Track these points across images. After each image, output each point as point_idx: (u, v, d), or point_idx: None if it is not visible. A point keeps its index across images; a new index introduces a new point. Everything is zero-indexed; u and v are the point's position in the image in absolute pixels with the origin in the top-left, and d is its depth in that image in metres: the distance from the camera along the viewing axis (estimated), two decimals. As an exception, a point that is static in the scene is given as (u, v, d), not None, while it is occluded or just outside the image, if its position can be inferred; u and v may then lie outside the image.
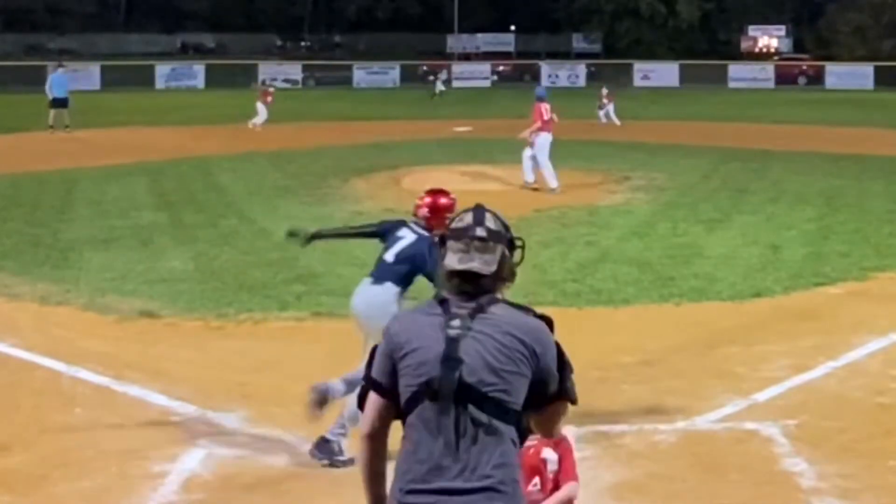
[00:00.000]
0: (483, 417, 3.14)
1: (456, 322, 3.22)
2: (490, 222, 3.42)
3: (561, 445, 4.36)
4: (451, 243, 3.34)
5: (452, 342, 3.18)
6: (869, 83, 55.04)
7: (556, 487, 4.34)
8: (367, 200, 16.92)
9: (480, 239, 3.35)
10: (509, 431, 3.18)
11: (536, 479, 4.27)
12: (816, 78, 58.15)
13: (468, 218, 3.38)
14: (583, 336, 9.24)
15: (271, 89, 34.54)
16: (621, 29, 74.08)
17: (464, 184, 18.38)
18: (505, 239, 3.46)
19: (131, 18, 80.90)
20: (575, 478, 4.40)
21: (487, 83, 58.50)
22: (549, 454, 4.28)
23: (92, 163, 21.91)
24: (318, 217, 15.21)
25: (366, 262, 12.03)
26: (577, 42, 77.86)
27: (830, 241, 13.29)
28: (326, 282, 11.10)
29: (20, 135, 28.30)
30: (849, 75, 56.64)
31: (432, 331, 3.23)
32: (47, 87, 29.60)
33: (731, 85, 56.89)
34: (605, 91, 32.81)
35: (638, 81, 59.30)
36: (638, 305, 10.25)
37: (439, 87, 46.29)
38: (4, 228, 14.40)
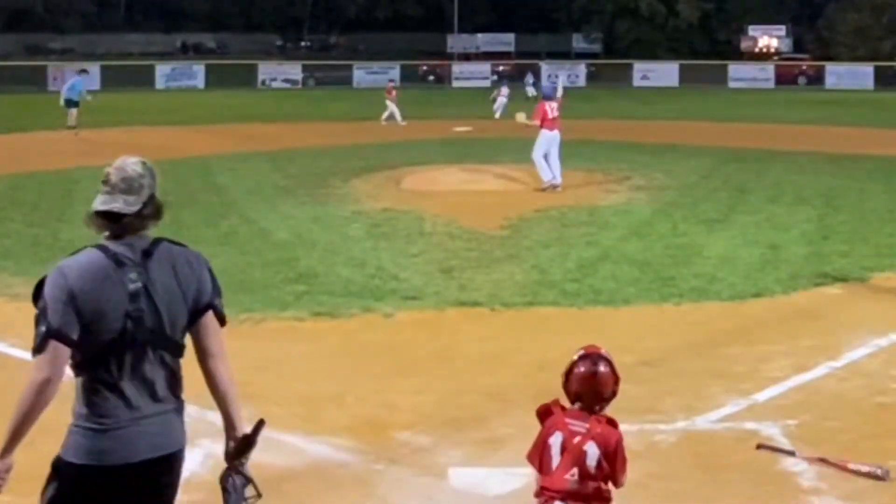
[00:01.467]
0: (167, 357, 3.77)
1: (133, 275, 3.62)
2: (135, 167, 3.81)
3: (613, 445, 4.25)
4: (101, 185, 3.72)
5: (134, 296, 3.60)
6: (869, 83, 55.09)
7: (597, 485, 4.22)
8: (367, 200, 16.92)
9: (123, 180, 3.73)
10: (179, 360, 3.86)
11: (575, 470, 4.20)
12: (816, 78, 58.20)
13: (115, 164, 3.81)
14: (583, 336, 9.23)
15: (391, 84, 34.56)
16: (621, 29, 74.14)
17: (464, 184, 18.40)
18: (150, 181, 3.80)
19: (131, 18, 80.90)
20: (619, 483, 4.28)
21: (487, 83, 58.49)
22: (591, 448, 4.20)
23: (92, 163, 21.85)
24: (319, 217, 15.24)
25: (365, 261, 12.09)
26: (577, 42, 77.87)
27: (830, 241, 13.28)
28: (326, 282, 11.10)
29: (20, 135, 28.31)
30: (849, 75, 56.69)
31: (112, 284, 3.60)
32: (64, 88, 30.07)
33: (731, 85, 56.95)
34: (504, 90, 32.61)
35: (638, 81, 59.37)
36: (638, 305, 10.25)
37: (531, 91, 46.46)
38: (4, 228, 14.40)
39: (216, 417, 7.16)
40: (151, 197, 3.77)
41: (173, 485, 3.89)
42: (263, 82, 57.28)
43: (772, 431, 6.83)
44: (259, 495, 3.88)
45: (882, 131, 29.79)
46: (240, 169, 21.10)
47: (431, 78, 60.68)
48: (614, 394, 4.38)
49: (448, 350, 8.79)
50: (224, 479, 3.88)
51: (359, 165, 21.31)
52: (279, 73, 59.26)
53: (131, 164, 3.83)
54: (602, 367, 4.35)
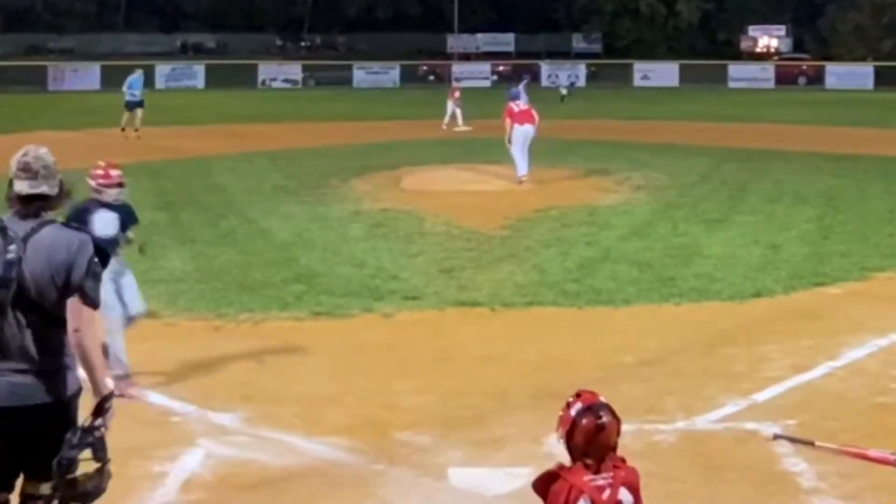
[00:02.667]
0: (35, 323, 4.19)
1: (12, 248, 4.17)
2: (48, 156, 4.48)
3: (637, 483, 4.13)
4: (18, 173, 4.35)
5: (8, 266, 4.14)
6: (869, 83, 55.02)
7: None
8: (367, 200, 16.92)
9: (44, 168, 4.39)
10: (54, 329, 4.22)
11: None
12: (816, 78, 58.12)
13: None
14: (583, 336, 9.26)
15: (455, 85, 33.69)
16: (621, 29, 74.11)
17: (464, 184, 18.41)
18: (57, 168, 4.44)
19: (131, 18, 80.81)
20: None
21: (487, 83, 58.47)
22: (625, 495, 4.03)
23: (92, 163, 21.82)
24: (319, 217, 15.24)
25: (365, 261, 12.10)
26: (577, 42, 77.81)
27: (830, 241, 13.29)
28: (326, 282, 11.10)
29: (20, 135, 28.29)
30: (849, 75, 56.63)
31: None
32: (124, 87, 29.43)
33: (731, 85, 56.89)
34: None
35: (638, 81, 59.31)
36: (638, 305, 10.25)
37: (563, 90, 46.52)
38: (4, 228, 14.38)
39: (216, 417, 7.21)
40: (61, 182, 4.42)
41: (30, 437, 4.27)
42: (263, 82, 57.22)
43: (771, 431, 6.83)
44: (99, 460, 4.36)
45: (882, 131, 29.77)
46: (240, 169, 21.10)
47: (431, 78, 60.61)
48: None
49: (448, 350, 8.79)
50: (72, 431, 4.26)
51: (359, 165, 21.31)
52: (279, 73, 59.19)
53: (44, 153, 4.49)
54: (606, 418, 4.07)
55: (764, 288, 10.84)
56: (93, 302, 4.29)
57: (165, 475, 6.23)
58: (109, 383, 4.61)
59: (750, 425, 6.98)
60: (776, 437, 6.56)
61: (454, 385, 7.83)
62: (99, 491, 4.43)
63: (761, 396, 7.53)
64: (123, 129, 28.17)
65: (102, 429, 4.37)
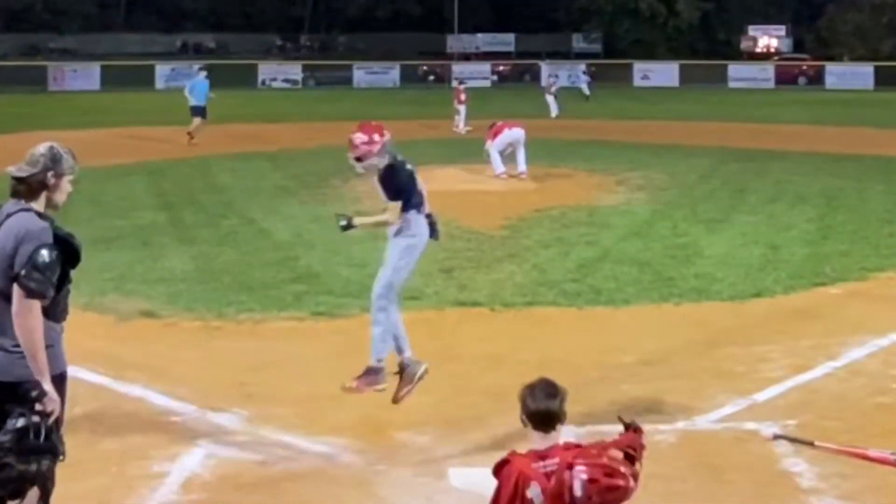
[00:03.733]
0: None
1: None
2: (42, 147, 4.82)
3: (589, 458, 4.10)
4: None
5: None
6: (869, 83, 55.02)
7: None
8: (367, 200, 16.86)
9: (31, 155, 4.77)
10: (9, 311, 4.52)
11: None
12: (816, 78, 58.13)
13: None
14: (583, 336, 9.27)
15: (461, 86, 32.22)
16: (621, 29, 74.04)
17: (464, 184, 18.40)
18: (49, 162, 4.77)
19: (131, 18, 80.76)
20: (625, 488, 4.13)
21: (487, 83, 58.46)
22: (578, 474, 4.00)
23: (92, 163, 21.83)
24: (319, 217, 15.22)
25: (365, 261, 12.07)
26: (577, 42, 77.77)
27: (830, 241, 13.29)
28: (326, 282, 11.10)
29: (20, 135, 28.27)
30: (849, 75, 56.64)
31: None
32: (187, 90, 27.11)
33: (731, 85, 56.88)
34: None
35: (638, 81, 59.32)
36: (638, 305, 10.25)
37: (585, 89, 46.53)
38: (4, 228, 14.38)
39: (216, 417, 7.21)
40: (41, 172, 4.69)
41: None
42: (263, 82, 57.22)
43: (771, 431, 6.83)
44: (8, 450, 4.39)
45: (882, 131, 29.77)
46: (240, 169, 21.10)
47: (431, 78, 60.60)
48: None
49: (448, 350, 8.78)
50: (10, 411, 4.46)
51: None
52: (279, 73, 59.19)
53: (42, 145, 4.83)
54: (550, 392, 4.26)
55: (764, 288, 10.83)
56: (31, 292, 4.49)
57: (165, 475, 6.23)
58: (45, 372, 4.70)
59: (750, 425, 6.98)
60: (776, 437, 6.57)
61: (454, 385, 7.83)
62: (23, 480, 4.45)
63: (761, 396, 7.53)
64: (191, 136, 26.03)
65: (34, 417, 4.44)
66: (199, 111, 26.42)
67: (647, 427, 6.93)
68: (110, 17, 79.71)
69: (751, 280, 11.16)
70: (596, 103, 43.67)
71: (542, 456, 4.05)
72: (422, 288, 10.80)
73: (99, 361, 8.34)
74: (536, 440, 4.13)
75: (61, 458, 4.60)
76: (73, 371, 8.10)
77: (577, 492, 3.96)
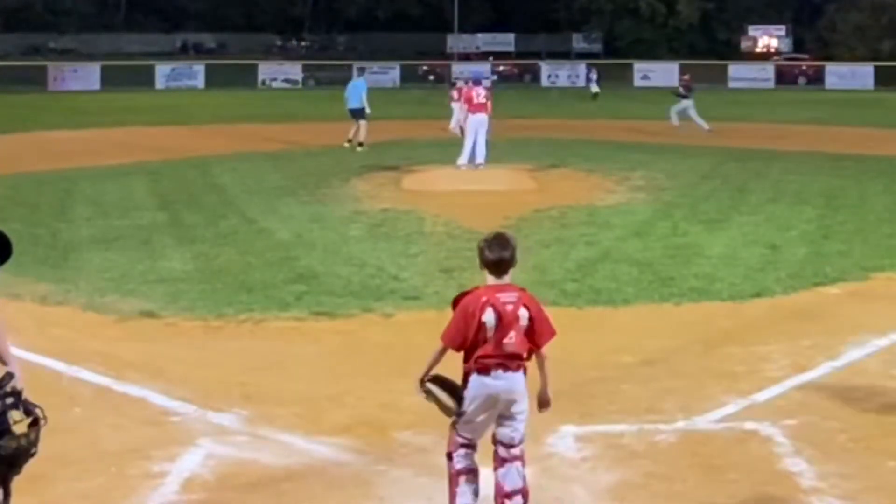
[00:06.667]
0: None
1: None
2: None
3: (537, 305, 5.31)
4: None
5: None
6: (869, 83, 55.06)
7: (528, 345, 5.23)
8: (367, 200, 16.92)
9: None
10: None
11: (512, 334, 5.16)
12: (816, 78, 58.17)
13: None
14: (583, 336, 9.25)
15: (455, 86, 31.15)
16: (621, 29, 74.08)
17: (464, 184, 18.41)
18: None
19: (131, 18, 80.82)
20: (551, 332, 5.32)
21: (487, 83, 58.45)
22: (523, 311, 5.20)
23: (92, 163, 21.90)
24: (319, 217, 15.23)
25: (365, 262, 12.09)
26: (577, 42, 77.84)
27: (830, 241, 13.28)
28: (326, 282, 11.10)
29: (20, 135, 28.29)
30: (849, 75, 56.67)
31: None
32: (345, 94, 26.32)
33: (731, 85, 56.92)
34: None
35: (638, 81, 59.36)
36: (638, 305, 10.25)
37: (594, 87, 46.51)
38: (4, 228, 14.28)
39: (216, 417, 7.21)
40: None
41: None
42: (263, 82, 57.26)
43: (772, 431, 6.83)
44: None
45: (882, 131, 29.77)
46: (240, 169, 21.09)
47: (431, 78, 60.62)
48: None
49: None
50: None
51: (359, 165, 21.31)
52: (279, 73, 59.24)
53: None
54: (502, 242, 5.42)
55: (764, 288, 10.83)
56: None
57: (165, 475, 6.23)
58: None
59: (750, 425, 6.98)
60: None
61: (454, 385, 7.82)
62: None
63: (761, 396, 7.53)
64: (349, 142, 24.96)
65: None
66: (356, 114, 25.31)
67: (647, 427, 6.98)
68: (110, 17, 79.79)
69: (751, 280, 11.16)
70: (597, 103, 43.69)
71: (500, 290, 5.23)
72: (422, 288, 10.81)
73: (99, 361, 8.35)
74: (492, 281, 5.29)
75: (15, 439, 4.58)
76: (73, 371, 8.16)
77: (523, 321, 5.20)
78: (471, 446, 5.38)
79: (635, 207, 16.13)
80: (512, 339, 5.16)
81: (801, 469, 6.26)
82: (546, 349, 5.33)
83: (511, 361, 5.20)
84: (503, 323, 5.13)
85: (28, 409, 4.50)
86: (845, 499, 5.91)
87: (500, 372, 5.18)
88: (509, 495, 5.27)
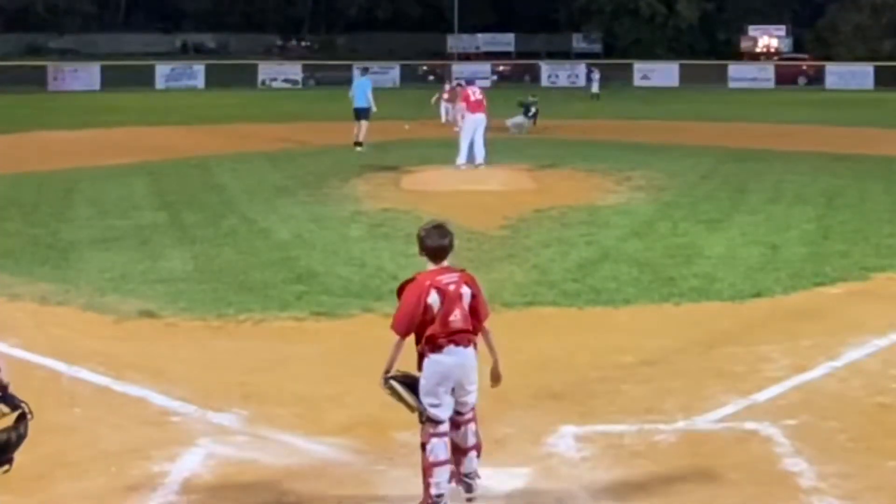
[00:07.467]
0: None
1: None
2: None
3: (476, 283, 5.76)
4: None
5: None
6: (869, 83, 55.07)
7: (472, 321, 5.65)
8: (367, 200, 16.91)
9: None
10: None
11: (457, 311, 5.59)
12: (816, 78, 58.19)
13: None
14: (583, 336, 9.26)
15: (449, 86, 31.24)
16: (621, 29, 74.10)
17: (464, 184, 18.40)
18: None
19: (131, 18, 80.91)
20: (487, 312, 5.79)
21: (487, 83, 58.48)
22: (465, 289, 5.65)
23: (92, 163, 21.90)
24: (319, 217, 15.23)
25: (365, 261, 12.09)
26: (577, 42, 77.87)
27: (830, 241, 13.28)
28: (326, 282, 11.10)
29: (20, 135, 28.29)
30: (849, 75, 56.68)
31: None
32: (350, 94, 25.95)
33: (731, 85, 56.94)
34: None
35: (638, 81, 59.39)
36: (638, 305, 10.24)
37: (595, 88, 46.53)
38: (4, 228, 14.39)
39: (216, 417, 7.21)
40: None
41: None
42: (263, 82, 57.29)
43: (772, 431, 6.83)
44: None
45: (882, 131, 29.77)
46: (240, 169, 21.09)
47: (431, 78, 60.62)
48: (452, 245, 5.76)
49: (448, 350, 8.78)
50: None
51: (359, 165, 21.31)
52: (279, 73, 59.27)
53: None
54: (441, 231, 5.74)
55: (764, 288, 10.83)
56: None
57: (165, 475, 6.23)
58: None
59: (750, 425, 6.98)
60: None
61: (454, 385, 7.82)
62: None
63: (761, 396, 7.53)
64: (357, 144, 24.52)
65: None
66: (360, 113, 25.08)
67: (647, 427, 6.97)
68: (110, 17, 79.85)
69: (751, 280, 11.16)
70: (597, 103, 43.68)
71: (440, 273, 5.64)
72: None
73: (99, 361, 8.35)
74: (432, 266, 5.69)
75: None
76: (72, 371, 8.16)
77: (467, 298, 5.64)
78: (443, 434, 5.68)
79: (635, 207, 16.13)
80: (457, 317, 5.58)
81: (801, 469, 6.26)
82: (488, 324, 5.78)
83: (460, 337, 5.61)
84: (446, 301, 5.56)
85: (14, 404, 4.51)
86: (845, 499, 5.91)
87: (451, 347, 5.59)
88: (465, 451, 5.79)
